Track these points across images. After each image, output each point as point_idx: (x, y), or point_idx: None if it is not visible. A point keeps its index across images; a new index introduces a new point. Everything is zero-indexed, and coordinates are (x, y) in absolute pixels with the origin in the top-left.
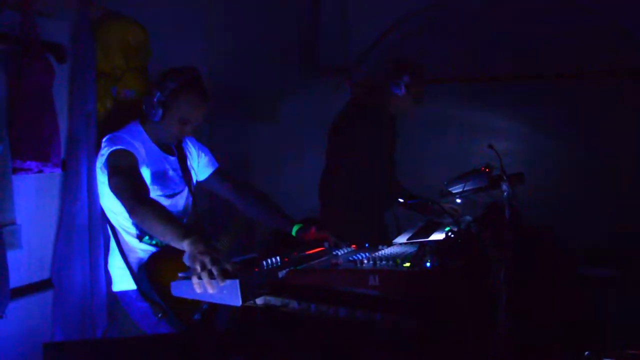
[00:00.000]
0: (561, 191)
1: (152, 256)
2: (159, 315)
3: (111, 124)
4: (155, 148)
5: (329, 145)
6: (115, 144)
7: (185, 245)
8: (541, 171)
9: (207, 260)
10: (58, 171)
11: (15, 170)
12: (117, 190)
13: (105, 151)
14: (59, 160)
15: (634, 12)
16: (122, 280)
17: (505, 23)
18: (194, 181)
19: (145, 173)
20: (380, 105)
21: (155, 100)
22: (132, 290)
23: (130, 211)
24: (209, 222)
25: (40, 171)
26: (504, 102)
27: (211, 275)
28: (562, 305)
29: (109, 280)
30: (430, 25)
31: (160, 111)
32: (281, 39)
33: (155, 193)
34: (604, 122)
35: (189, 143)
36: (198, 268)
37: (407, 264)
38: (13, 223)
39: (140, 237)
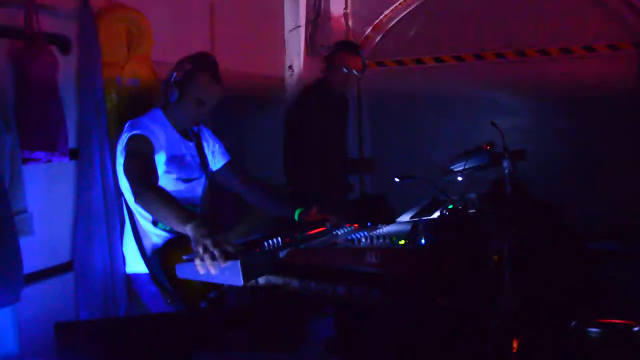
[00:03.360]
0: (566, 166)
1: (168, 242)
2: (169, 300)
3: (119, 112)
4: (174, 133)
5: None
6: (134, 129)
7: (188, 230)
8: (548, 147)
9: (209, 242)
10: (66, 160)
11: (25, 161)
12: (128, 173)
13: (125, 135)
14: (67, 149)
15: None
16: (135, 263)
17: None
18: (210, 169)
19: (162, 156)
20: (325, 84)
21: (172, 80)
22: (144, 274)
23: (136, 195)
24: (227, 211)
25: (49, 160)
26: (508, 80)
27: (213, 257)
28: (566, 278)
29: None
30: (431, 5)
31: (176, 91)
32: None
33: (171, 176)
34: (610, 97)
35: (205, 133)
36: (200, 250)
37: (402, 242)
38: (24, 211)
39: (155, 222)
